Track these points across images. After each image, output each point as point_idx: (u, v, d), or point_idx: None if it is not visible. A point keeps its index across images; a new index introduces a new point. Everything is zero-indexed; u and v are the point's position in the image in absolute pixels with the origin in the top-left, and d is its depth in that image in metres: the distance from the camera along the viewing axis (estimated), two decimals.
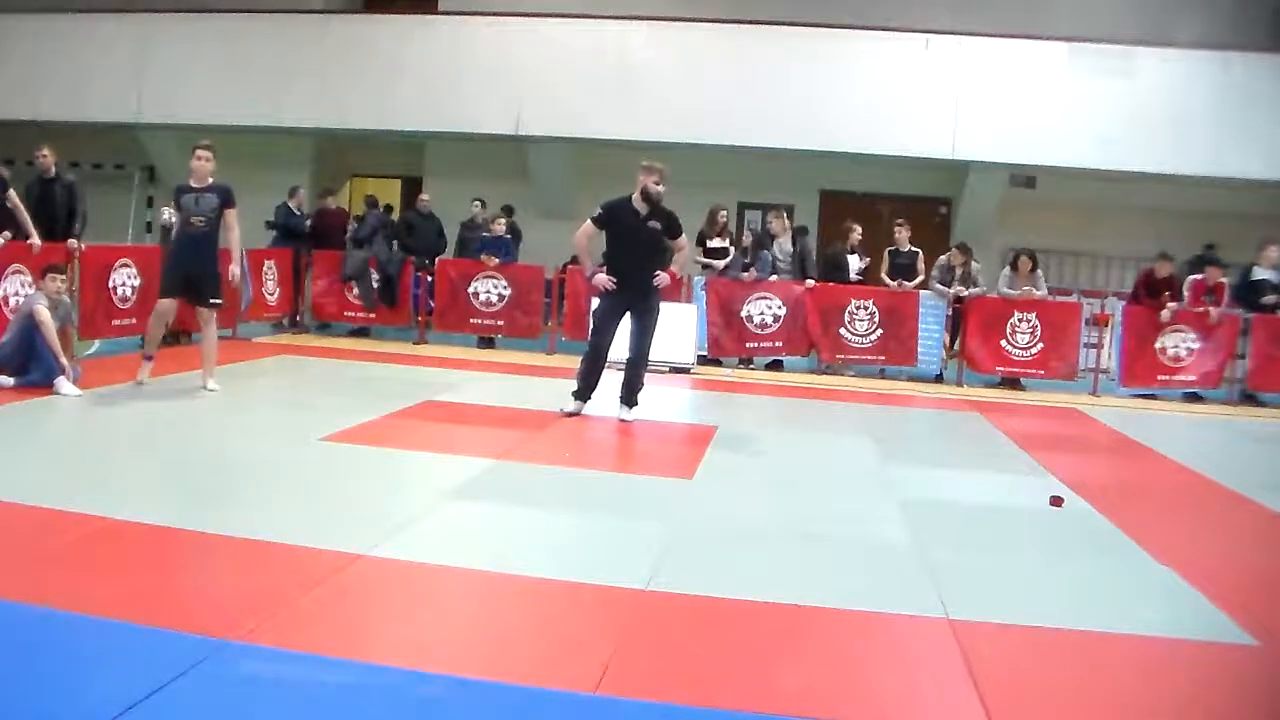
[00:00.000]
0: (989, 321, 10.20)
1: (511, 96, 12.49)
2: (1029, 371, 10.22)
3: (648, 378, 7.15)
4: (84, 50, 13.32)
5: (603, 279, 6.81)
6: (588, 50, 12.50)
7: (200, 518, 4.04)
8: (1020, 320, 10.16)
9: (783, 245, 10.60)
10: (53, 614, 3.02)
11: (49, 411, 6.17)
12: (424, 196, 12.01)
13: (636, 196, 6.80)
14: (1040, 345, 10.16)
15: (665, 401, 7.93)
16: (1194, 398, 10.13)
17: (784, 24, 12.31)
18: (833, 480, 5.76)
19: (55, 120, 12.85)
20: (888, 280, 10.49)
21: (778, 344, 10.36)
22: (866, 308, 10.24)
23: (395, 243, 11.17)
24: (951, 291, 10.25)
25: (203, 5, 13.27)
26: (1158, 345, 10.09)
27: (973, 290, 10.31)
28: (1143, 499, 5.90)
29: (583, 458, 5.90)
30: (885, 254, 10.68)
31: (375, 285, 10.86)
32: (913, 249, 10.62)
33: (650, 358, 7.12)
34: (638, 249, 6.83)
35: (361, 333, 11.14)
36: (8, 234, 7.72)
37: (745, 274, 10.31)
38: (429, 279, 10.98)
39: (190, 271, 6.90)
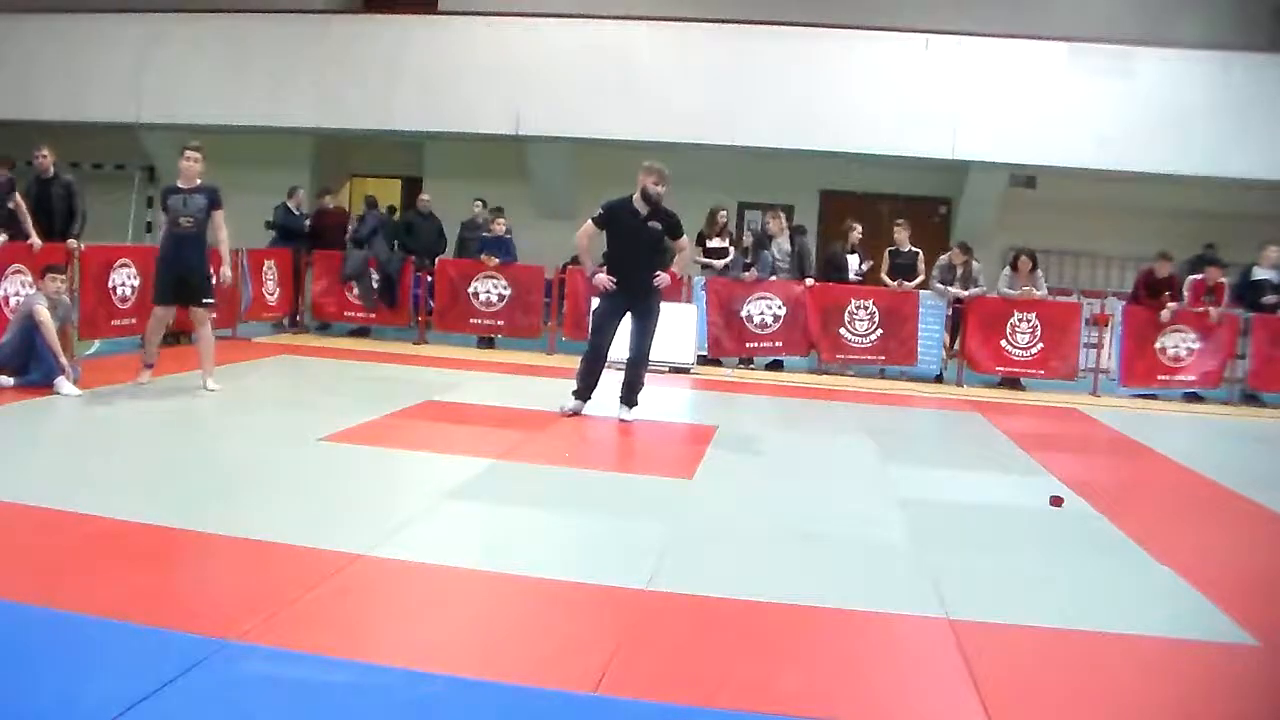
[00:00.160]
0: (989, 321, 10.20)
1: (511, 96, 12.50)
2: (1029, 371, 10.22)
3: (648, 378, 7.15)
4: (84, 50, 13.32)
5: (603, 279, 6.81)
6: (588, 50, 12.50)
7: (200, 518, 4.04)
8: (1020, 320, 10.16)
9: (781, 245, 10.60)
10: (53, 614, 3.02)
11: (49, 411, 6.17)
12: (424, 196, 12.02)
13: (637, 197, 6.80)
14: (1040, 345, 10.16)
15: (665, 401, 7.93)
16: (1194, 398, 10.13)
17: (784, 24, 12.31)
18: (833, 480, 5.76)
19: (55, 120, 12.85)
20: (888, 280, 10.49)
21: (778, 344, 10.36)
22: (866, 308, 10.24)
23: (395, 243, 11.18)
24: (952, 292, 10.25)
25: (203, 5, 13.27)
26: (1158, 345, 10.10)
27: (973, 290, 10.31)
28: (1143, 499, 5.90)
29: (583, 458, 5.90)
30: (885, 254, 10.68)
31: (375, 285, 10.87)
32: (913, 249, 10.62)
33: (650, 358, 7.12)
34: (638, 249, 6.83)
35: (361, 333, 11.14)
36: (3, 236, 7.73)
37: (746, 274, 10.31)
38: (429, 279, 10.98)
39: (181, 273, 6.91)
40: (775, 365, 10.55)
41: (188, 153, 6.96)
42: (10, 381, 6.47)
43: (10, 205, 7.79)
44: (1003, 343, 10.19)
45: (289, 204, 11.46)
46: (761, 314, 10.28)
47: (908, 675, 3.15)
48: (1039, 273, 10.38)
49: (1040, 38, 12.04)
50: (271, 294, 10.81)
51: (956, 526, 4.85)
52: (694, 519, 4.68)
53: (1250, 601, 3.94)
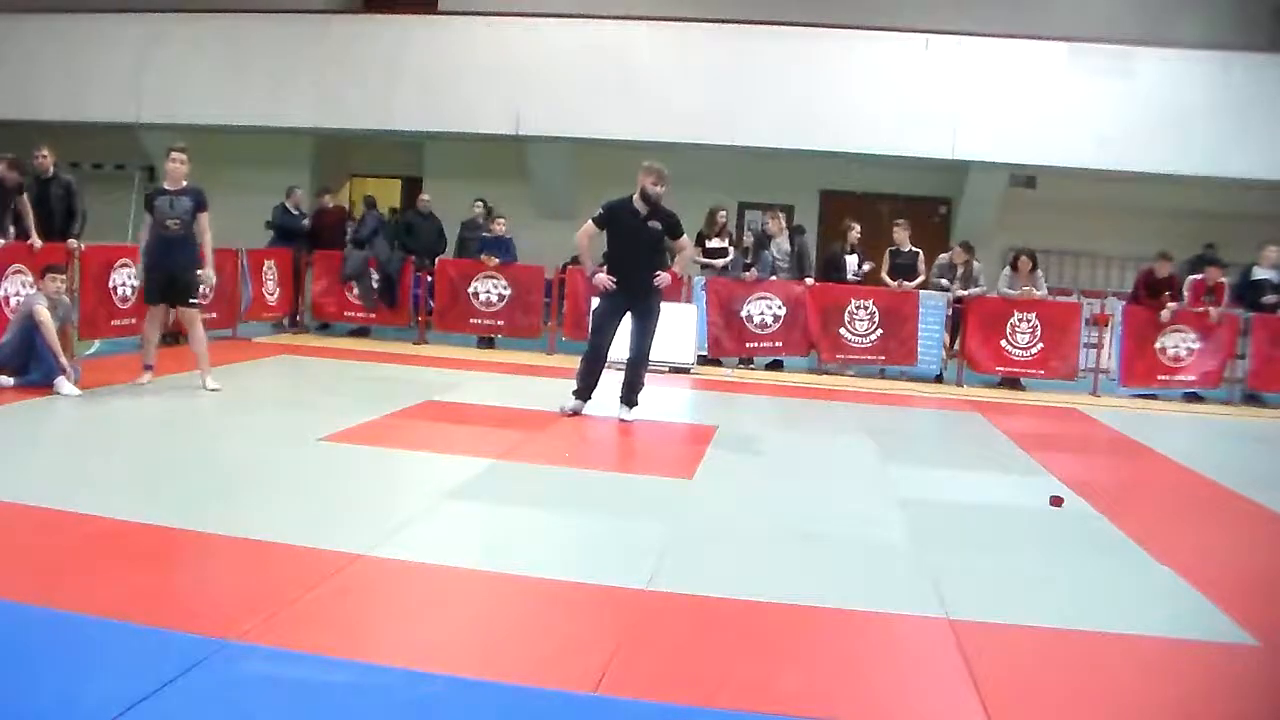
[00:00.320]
0: (989, 321, 10.20)
1: (511, 96, 12.50)
2: (1029, 371, 10.22)
3: (648, 378, 7.15)
4: (84, 50, 13.32)
5: (603, 278, 6.81)
6: (588, 50, 12.51)
7: (200, 518, 4.04)
8: (1020, 320, 10.16)
9: (780, 245, 10.60)
10: (53, 614, 3.02)
11: (49, 411, 6.17)
12: (424, 196, 12.01)
13: (636, 197, 6.81)
14: (1040, 345, 10.16)
15: (665, 401, 7.93)
16: (1194, 398, 10.13)
17: (784, 24, 12.31)
18: (833, 480, 5.76)
19: (55, 120, 12.85)
20: (888, 280, 10.49)
21: (778, 344, 10.36)
22: (866, 308, 10.24)
23: (394, 242, 11.18)
24: (952, 292, 10.25)
25: (203, 5, 13.27)
26: (1158, 345, 10.10)
27: (973, 290, 10.31)
28: (1143, 499, 5.90)
29: (583, 458, 5.90)
30: (886, 254, 10.68)
31: (375, 285, 10.87)
32: (913, 249, 10.62)
33: (650, 358, 7.12)
34: (638, 249, 6.83)
35: (361, 333, 11.14)
36: (12, 229, 7.75)
37: (746, 274, 10.31)
38: (429, 279, 10.98)
39: (170, 273, 6.97)
40: (775, 365, 10.55)
41: (174, 155, 7.02)
42: (10, 381, 6.47)
43: (19, 208, 7.82)
44: (1003, 343, 10.19)
45: (287, 204, 11.46)
46: (761, 314, 10.28)
47: (908, 675, 3.15)
48: (1039, 273, 10.39)
49: (1040, 38, 12.04)
50: (271, 294, 10.81)
51: (956, 526, 4.85)
52: (694, 519, 4.68)
53: (1250, 601, 3.94)
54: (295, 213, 11.47)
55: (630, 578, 3.69)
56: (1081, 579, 4.15)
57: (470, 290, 10.70)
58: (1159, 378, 10.13)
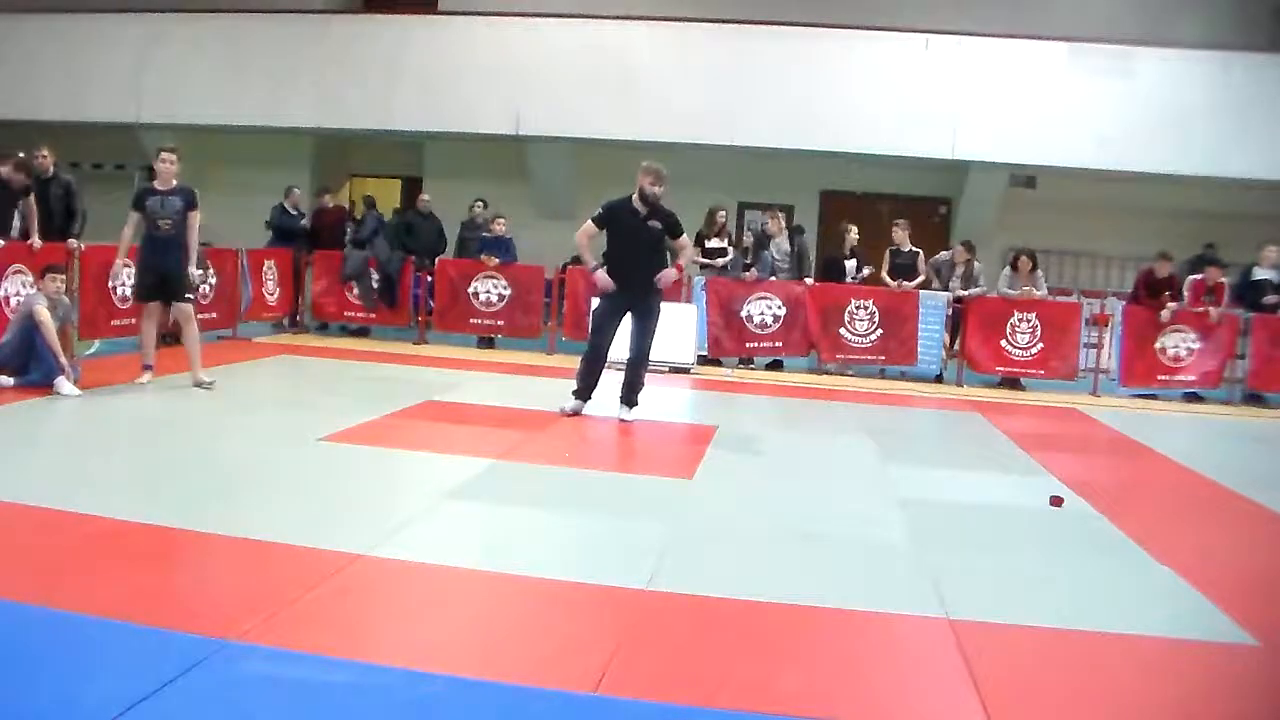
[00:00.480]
0: (989, 321, 10.20)
1: (511, 96, 12.50)
2: (1029, 371, 10.22)
3: (648, 378, 7.15)
4: (84, 50, 13.33)
5: (604, 277, 6.80)
6: (588, 50, 12.51)
7: (200, 518, 4.04)
8: (1020, 320, 10.16)
9: (780, 245, 10.60)
10: (53, 614, 3.02)
11: (49, 411, 6.17)
12: (424, 196, 12.01)
13: (635, 197, 6.81)
14: (1040, 345, 10.16)
15: (665, 401, 7.93)
16: (1194, 398, 10.13)
17: (784, 24, 12.31)
18: (833, 480, 5.75)
19: (55, 120, 12.86)
20: (888, 280, 10.50)
21: (778, 344, 10.36)
22: (866, 308, 10.24)
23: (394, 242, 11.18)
24: (952, 292, 10.25)
25: (203, 5, 13.27)
26: (1158, 345, 10.10)
27: (973, 290, 10.32)
28: (1143, 499, 5.90)
29: (583, 458, 5.90)
30: (886, 254, 10.68)
31: (375, 285, 10.87)
32: (913, 249, 10.62)
33: (650, 358, 7.12)
34: (638, 249, 6.83)
35: (361, 333, 11.15)
36: (16, 224, 7.78)
37: (746, 274, 10.31)
38: (429, 279, 10.98)
39: (162, 273, 7.02)
40: (775, 365, 10.55)
41: (164, 155, 7.07)
42: (10, 381, 6.47)
43: (24, 209, 7.86)
44: (1003, 343, 10.19)
45: (285, 204, 11.46)
46: (761, 314, 10.28)
47: (908, 675, 3.14)
48: (1039, 273, 10.39)
49: (1040, 38, 12.05)
50: (271, 294, 10.82)
51: (956, 526, 4.85)
52: (694, 519, 4.68)
53: (1250, 601, 3.94)
54: (293, 213, 11.47)
55: (630, 578, 3.69)
56: (1081, 579, 4.15)
57: (470, 290, 10.71)
58: (1159, 378, 10.13)
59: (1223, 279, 10.20)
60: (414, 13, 13.57)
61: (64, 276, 7.11)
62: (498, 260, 10.72)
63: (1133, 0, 13.06)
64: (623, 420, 6.91)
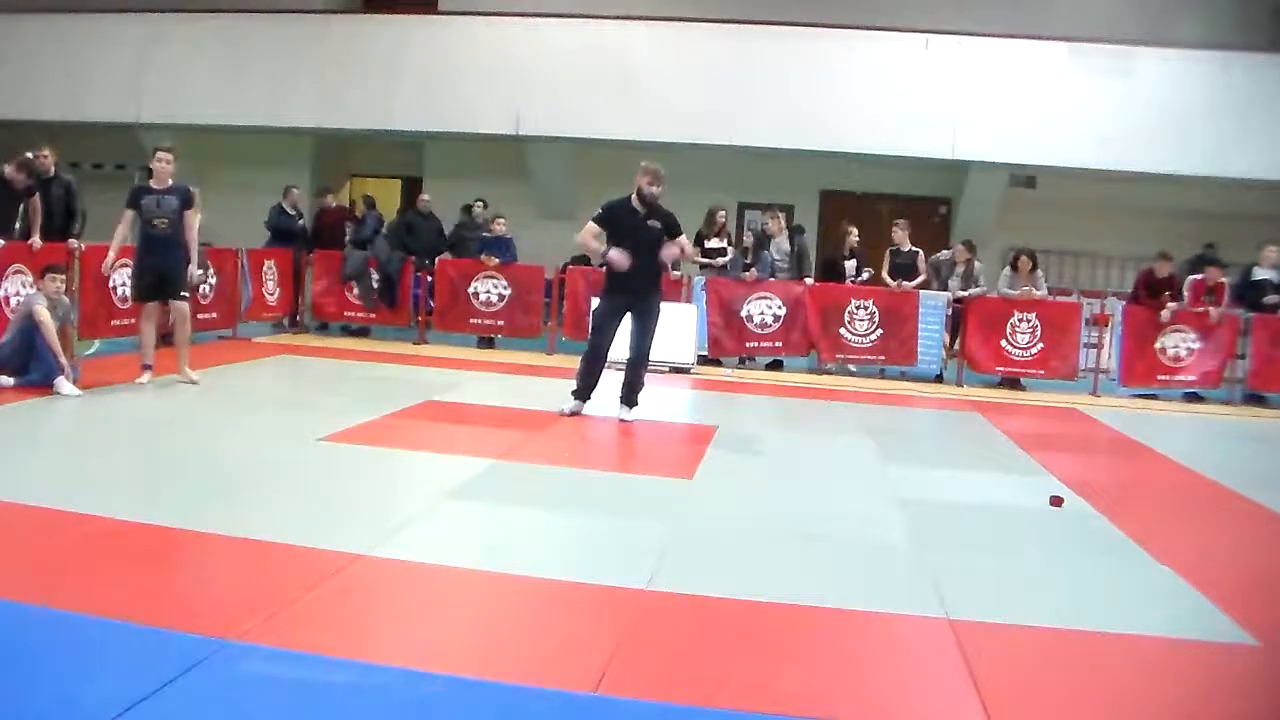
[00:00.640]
0: (989, 321, 10.20)
1: (511, 96, 12.50)
2: (1029, 371, 10.22)
3: (648, 378, 7.15)
4: (84, 50, 13.33)
5: (617, 253, 6.74)
6: (588, 50, 12.51)
7: (200, 518, 4.04)
8: (1020, 320, 10.16)
9: (780, 245, 10.60)
10: (53, 614, 3.02)
11: (49, 411, 6.17)
12: (424, 196, 12.01)
13: (634, 197, 6.81)
14: (1040, 345, 10.16)
15: (665, 401, 7.93)
16: (1194, 398, 10.13)
17: (784, 24, 12.32)
18: (833, 480, 5.75)
19: (55, 120, 12.86)
20: (888, 280, 10.50)
21: (777, 344, 10.36)
22: (866, 308, 10.24)
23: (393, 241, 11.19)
24: (951, 293, 10.25)
25: (203, 5, 13.28)
26: (1158, 345, 10.10)
27: (973, 290, 10.32)
28: (1143, 499, 5.90)
29: (583, 458, 5.90)
30: (886, 254, 10.68)
31: (375, 285, 10.87)
32: (913, 249, 10.61)
33: (650, 358, 7.12)
34: (638, 249, 6.83)
35: (361, 333, 11.15)
36: (17, 224, 7.79)
37: (746, 274, 10.31)
38: (429, 279, 10.98)
39: (159, 272, 7.05)
40: (775, 365, 10.55)
41: (160, 154, 7.10)
42: (10, 381, 6.47)
43: (29, 209, 7.87)
44: (1003, 343, 10.19)
45: (283, 204, 11.45)
46: (761, 314, 10.28)
47: (908, 675, 3.14)
48: (1039, 273, 10.39)
49: (1040, 38, 12.05)
50: (271, 294, 10.81)
51: (956, 526, 4.85)
52: (694, 519, 4.68)
53: (1250, 601, 3.94)
54: (291, 213, 11.46)
55: (630, 578, 3.69)
56: (1081, 579, 4.15)
57: (470, 290, 10.70)
58: (1159, 378, 10.13)
59: (1223, 279, 10.19)
60: (414, 13, 13.57)
61: (64, 276, 7.12)
62: (498, 260, 10.72)
63: (1133, 0, 13.06)
64: (623, 420, 6.91)
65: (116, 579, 3.39)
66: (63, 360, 6.57)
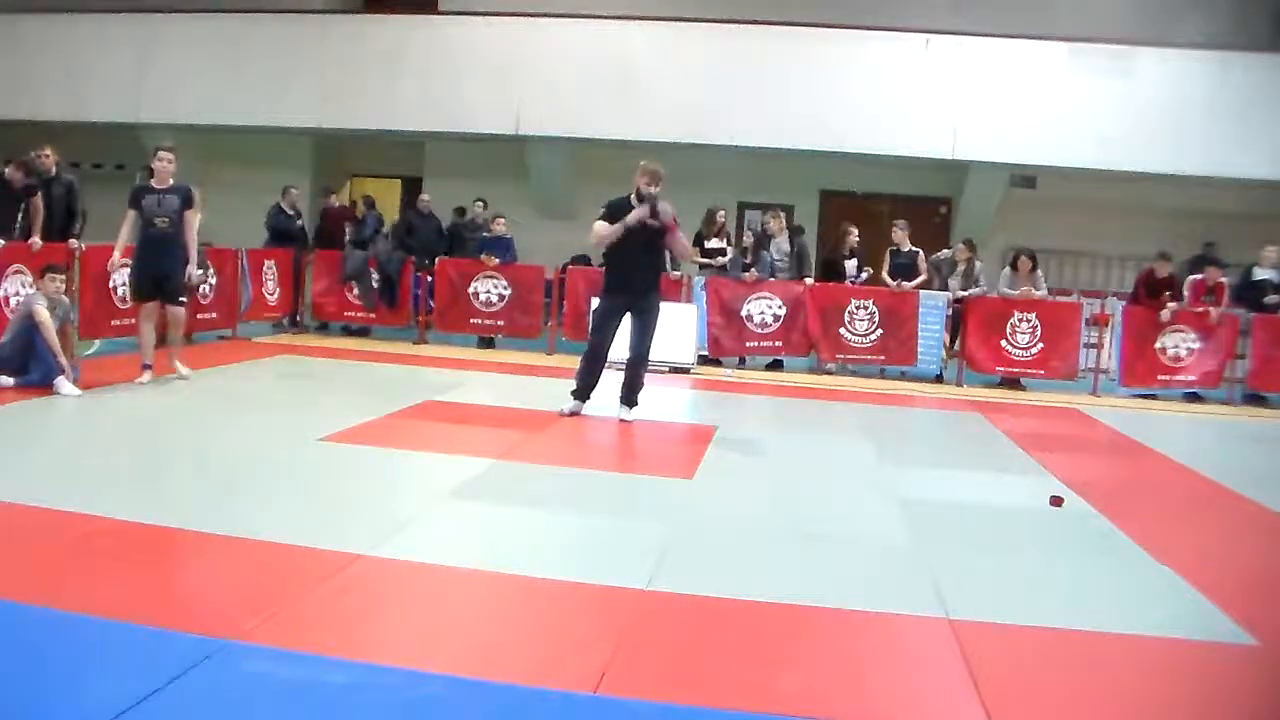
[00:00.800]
0: (989, 321, 10.20)
1: (511, 96, 12.51)
2: (1029, 371, 10.22)
3: (648, 378, 7.15)
4: (84, 50, 13.33)
5: (638, 212, 6.60)
6: (588, 50, 12.51)
7: (200, 518, 4.04)
8: (1020, 320, 10.16)
9: (780, 245, 10.60)
10: (53, 614, 3.02)
11: (49, 411, 6.17)
12: (424, 196, 12.02)
13: (633, 197, 6.81)
14: (1040, 345, 10.16)
15: (665, 401, 7.93)
16: (1194, 398, 10.13)
17: (784, 24, 12.31)
18: (833, 480, 5.75)
19: (55, 120, 12.86)
20: (888, 280, 10.50)
21: (777, 344, 10.36)
22: (866, 308, 10.23)
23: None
24: (951, 293, 10.25)
25: (203, 5, 13.28)
26: (1158, 345, 10.10)
27: (973, 290, 10.32)
28: (1143, 499, 5.89)
29: (583, 458, 5.90)
30: (886, 254, 10.68)
31: (375, 285, 10.87)
32: (913, 249, 10.61)
33: (650, 358, 7.12)
34: (637, 248, 6.83)
35: (361, 333, 11.14)
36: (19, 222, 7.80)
37: (746, 274, 10.31)
38: (429, 279, 10.98)
39: (158, 272, 7.05)
40: (775, 365, 10.55)
41: (161, 154, 7.10)
42: (10, 381, 6.47)
43: (31, 208, 7.88)
44: (1003, 343, 10.19)
45: (282, 204, 11.44)
46: (761, 314, 10.28)
47: (908, 675, 3.14)
48: (1039, 273, 10.38)
49: (1040, 38, 12.04)
50: (271, 294, 10.81)
51: (956, 526, 4.85)
52: (694, 519, 4.68)
53: (1250, 601, 3.94)
54: (290, 213, 11.45)
55: (630, 578, 3.69)
56: (1081, 579, 4.15)
57: (470, 290, 10.70)
58: (1159, 378, 10.13)
59: (1223, 279, 10.20)
60: (414, 13, 13.57)
61: (64, 276, 7.11)
62: (498, 260, 10.72)
63: (1133, 0, 13.06)
64: (623, 420, 6.91)
65: (116, 579, 3.39)
66: (62, 360, 6.57)
